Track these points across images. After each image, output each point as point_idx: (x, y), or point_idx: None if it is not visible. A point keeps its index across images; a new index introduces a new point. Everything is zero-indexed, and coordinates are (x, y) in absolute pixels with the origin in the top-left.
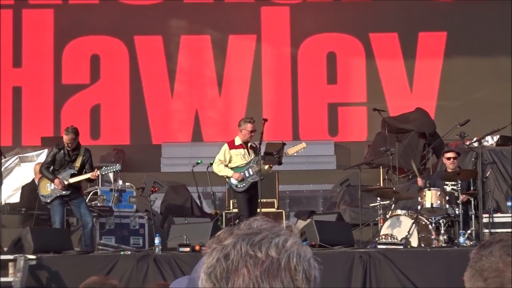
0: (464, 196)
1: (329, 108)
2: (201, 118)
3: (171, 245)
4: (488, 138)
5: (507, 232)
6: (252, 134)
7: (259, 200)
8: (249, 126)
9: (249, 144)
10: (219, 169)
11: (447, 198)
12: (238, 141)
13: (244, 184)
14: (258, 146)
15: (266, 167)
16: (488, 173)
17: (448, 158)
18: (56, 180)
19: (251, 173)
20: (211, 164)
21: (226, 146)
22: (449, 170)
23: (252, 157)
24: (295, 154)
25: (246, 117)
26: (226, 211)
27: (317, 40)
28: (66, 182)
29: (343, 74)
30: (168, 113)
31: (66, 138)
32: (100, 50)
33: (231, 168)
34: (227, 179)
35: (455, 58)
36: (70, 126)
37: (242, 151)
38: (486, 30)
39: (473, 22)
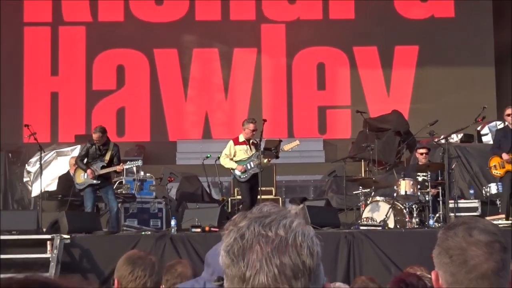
0: (433, 190)
1: (319, 110)
2: (210, 119)
3: (184, 226)
4: (454, 136)
5: (469, 215)
6: (254, 132)
7: (259, 189)
8: (251, 126)
9: (251, 141)
10: (225, 162)
11: (418, 186)
12: (241, 138)
13: (246, 175)
14: (258, 142)
15: (265, 160)
16: (454, 165)
17: (421, 153)
18: (89, 170)
19: (252, 165)
20: (219, 158)
21: (231, 142)
22: (421, 163)
23: (254, 152)
24: (290, 150)
25: (249, 118)
26: (231, 198)
27: (308, 53)
28: (96, 173)
29: (330, 81)
30: (182, 114)
31: (94, 136)
32: (124, 61)
33: (236, 161)
34: (232, 171)
35: (425, 68)
36: (98, 126)
37: (245, 147)
38: (452, 44)
39: (441, 37)
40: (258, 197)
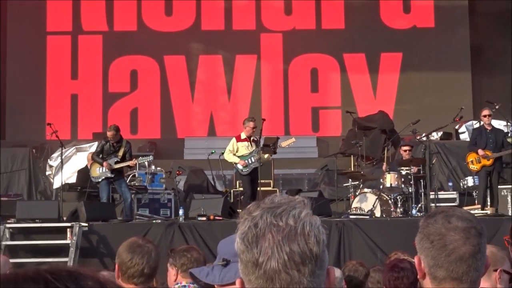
0: (415, 167)
1: (312, 110)
2: (215, 118)
3: (191, 215)
4: (434, 133)
5: (448, 205)
6: (254, 130)
7: (259, 181)
8: (251, 124)
9: (251, 138)
10: (229, 157)
11: (402, 179)
12: (243, 135)
13: (247, 169)
14: (258, 139)
15: (266, 156)
16: (434, 160)
17: (405, 150)
18: (105, 163)
19: (253, 160)
20: (222, 153)
21: (234, 139)
22: (404, 159)
23: (254, 148)
24: (287, 146)
25: (249, 117)
26: (233, 190)
27: (303, 59)
28: (111, 167)
29: (323, 84)
30: (190, 114)
31: (109, 134)
32: (137, 66)
33: (238, 156)
34: (234, 165)
35: (408, 72)
36: (112, 125)
37: (246, 143)
38: (432, 51)
39: (422, 45)
40: (258, 188)
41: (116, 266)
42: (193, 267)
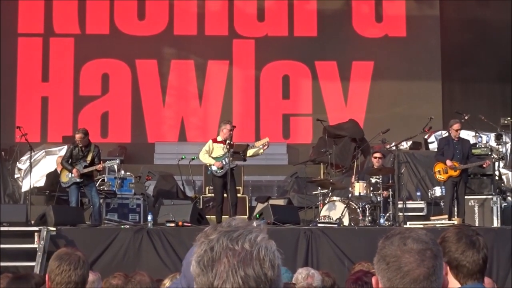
0: (385, 192)
1: (283, 117)
2: (186, 123)
3: (160, 221)
4: (403, 143)
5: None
6: (230, 133)
7: (229, 187)
8: (228, 127)
9: (227, 141)
10: (204, 157)
11: (371, 188)
12: (219, 138)
13: (222, 170)
14: (232, 144)
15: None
16: (403, 170)
17: (375, 157)
18: (74, 170)
19: (227, 161)
20: (193, 159)
21: (210, 141)
22: (375, 166)
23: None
24: (261, 146)
25: (225, 120)
26: (203, 196)
27: (275, 66)
28: (79, 172)
29: (294, 92)
30: (161, 119)
31: (77, 136)
32: (109, 70)
33: (213, 158)
34: (208, 166)
35: (379, 81)
36: (81, 128)
37: (222, 145)
38: (403, 60)
39: (394, 54)
40: (227, 195)
41: (47, 277)
42: None
